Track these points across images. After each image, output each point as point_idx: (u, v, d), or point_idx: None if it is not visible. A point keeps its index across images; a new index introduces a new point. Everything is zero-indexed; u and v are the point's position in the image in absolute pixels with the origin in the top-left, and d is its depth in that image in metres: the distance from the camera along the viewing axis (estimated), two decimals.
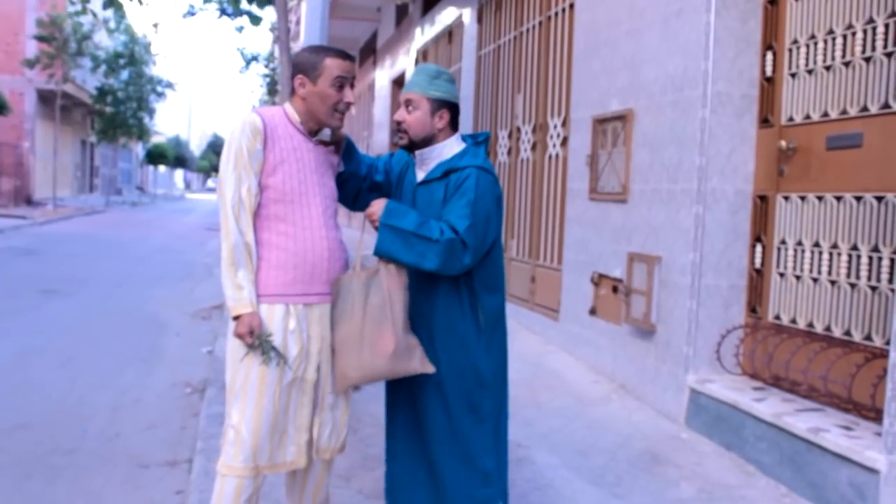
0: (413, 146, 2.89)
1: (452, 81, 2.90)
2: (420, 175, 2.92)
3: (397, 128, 2.88)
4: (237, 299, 2.58)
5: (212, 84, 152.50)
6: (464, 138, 2.96)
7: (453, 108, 2.89)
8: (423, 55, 12.03)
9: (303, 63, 2.68)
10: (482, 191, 2.73)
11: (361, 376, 2.67)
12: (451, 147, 2.88)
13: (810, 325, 4.13)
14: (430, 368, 2.70)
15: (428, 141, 2.87)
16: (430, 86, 2.84)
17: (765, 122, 4.49)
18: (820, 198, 4.09)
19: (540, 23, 7.34)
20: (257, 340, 2.58)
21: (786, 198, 4.32)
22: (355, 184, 3.02)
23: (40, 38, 25.60)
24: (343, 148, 2.95)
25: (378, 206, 2.74)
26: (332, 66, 2.66)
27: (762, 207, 4.48)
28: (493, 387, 2.89)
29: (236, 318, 2.59)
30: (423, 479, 2.92)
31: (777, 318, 4.37)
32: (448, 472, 2.83)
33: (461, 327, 2.82)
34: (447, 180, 2.81)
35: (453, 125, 2.90)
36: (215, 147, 74.89)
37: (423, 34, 11.91)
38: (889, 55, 3.72)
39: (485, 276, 2.84)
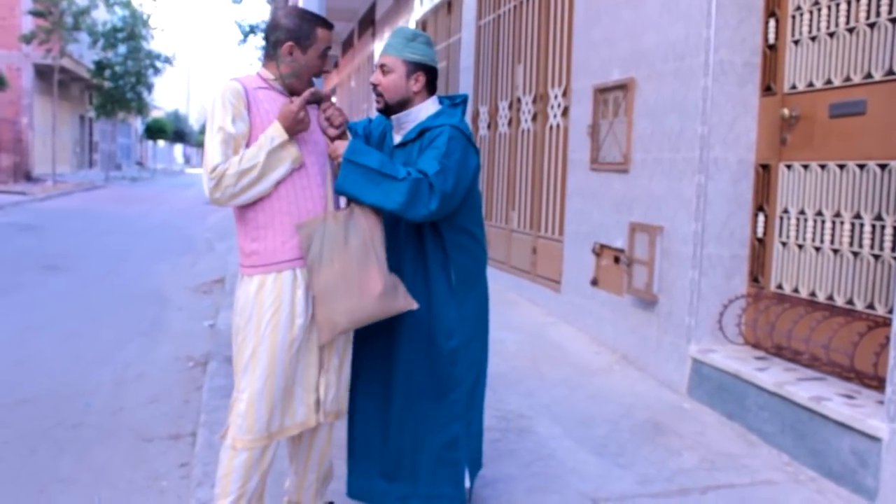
0: (388, 109, 2.88)
1: (430, 44, 2.88)
2: (397, 138, 2.92)
3: (374, 90, 2.87)
4: (270, 137, 2.56)
5: (210, 58, 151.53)
6: (440, 100, 2.94)
7: (430, 72, 2.86)
8: (423, 25, 11.93)
9: (295, 31, 2.63)
10: (453, 146, 2.70)
11: (350, 321, 2.59)
12: (427, 109, 2.87)
13: (812, 294, 4.12)
14: (414, 304, 2.65)
15: (404, 104, 2.85)
16: (406, 48, 2.81)
17: (767, 90, 4.44)
18: (823, 166, 4.06)
19: None
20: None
21: (788, 166, 4.29)
22: None
23: (36, 14, 25.40)
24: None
25: (341, 143, 2.68)
26: (323, 36, 2.67)
27: (764, 176, 4.45)
28: (465, 353, 2.86)
29: (288, 133, 2.58)
30: (391, 439, 2.91)
31: (779, 287, 4.36)
32: (415, 434, 2.85)
33: (431, 288, 2.81)
34: (421, 139, 2.80)
35: (430, 88, 2.88)
36: None
37: (423, 4, 11.81)
38: (893, 21, 3.67)
39: (455, 238, 2.83)
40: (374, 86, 2.85)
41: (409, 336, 2.82)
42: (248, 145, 2.59)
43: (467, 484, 2.92)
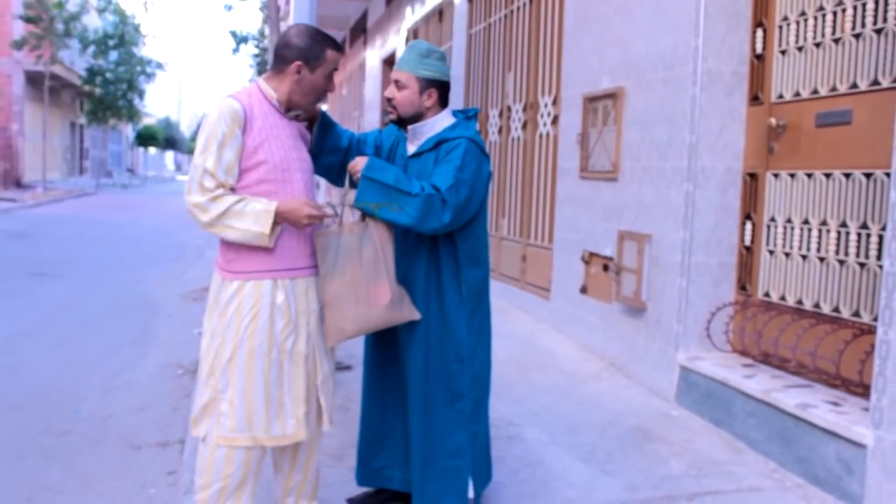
0: (402, 122, 2.95)
1: (443, 59, 2.94)
2: (412, 148, 2.98)
3: (388, 104, 2.94)
4: (258, 212, 2.56)
5: (202, 65, 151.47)
6: (454, 113, 3.01)
7: (443, 87, 2.93)
8: (414, 34, 11.97)
9: (305, 50, 2.67)
10: (469, 159, 2.79)
11: (358, 328, 2.72)
12: (442, 121, 2.94)
13: (799, 301, 4.15)
14: (416, 315, 2.80)
15: (417, 117, 2.93)
16: (420, 65, 2.88)
17: (755, 99, 4.48)
18: (809, 175, 4.09)
19: (530, 0, 7.30)
20: (328, 207, 2.71)
21: (775, 175, 4.33)
22: (338, 157, 3.06)
23: (27, 19, 25.37)
24: (318, 122, 2.98)
25: (360, 160, 2.79)
26: (332, 58, 2.73)
27: (752, 185, 4.49)
28: (471, 363, 2.91)
29: (275, 222, 2.59)
30: (402, 440, 3.04)
31: (766, 295, 4.39)
32: (420, 439, 2.89)
33: (444, 298, 2.87)
34: (437, 150, 2.87)
35: (442, 102, 2.96)
36: None
37: (414, 13, 11.84)
38: (878, 31, 3.71)
39: (468, 248, 2.89)
40: (389, 99, 2.93)
41: (425, 346, 2.87)
42: (242, 160, 2.60)
43: (471, 494, 2.93)
